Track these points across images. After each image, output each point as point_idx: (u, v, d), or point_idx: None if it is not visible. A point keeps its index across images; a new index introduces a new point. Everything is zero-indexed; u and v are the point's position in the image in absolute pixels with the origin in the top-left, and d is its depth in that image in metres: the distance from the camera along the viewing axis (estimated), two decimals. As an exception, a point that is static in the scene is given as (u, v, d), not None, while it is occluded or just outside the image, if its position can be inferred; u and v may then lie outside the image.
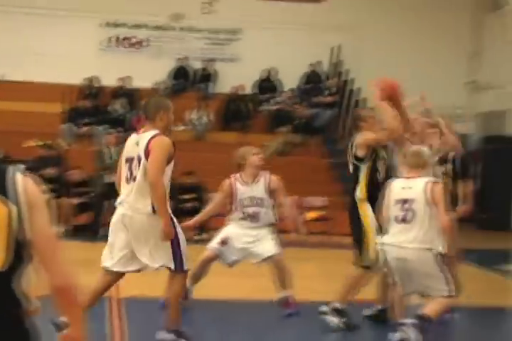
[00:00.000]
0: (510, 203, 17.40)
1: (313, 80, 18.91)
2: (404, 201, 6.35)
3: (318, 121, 18.03)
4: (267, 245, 7.50)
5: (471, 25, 19.30)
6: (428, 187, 6.32)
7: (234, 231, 7.54)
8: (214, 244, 7.56)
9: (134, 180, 5.95)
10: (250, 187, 7.54)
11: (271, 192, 7.54)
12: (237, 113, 17.89)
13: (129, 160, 6.03)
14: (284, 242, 7.78)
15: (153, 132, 6.01)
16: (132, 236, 5.99)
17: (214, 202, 7.81)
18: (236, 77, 18.32)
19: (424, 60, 18.98)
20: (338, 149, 15.20)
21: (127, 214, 5.99)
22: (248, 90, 18.52)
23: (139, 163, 5.93)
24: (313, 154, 17.24)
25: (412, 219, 6.31)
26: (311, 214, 13.87)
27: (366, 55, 18.92)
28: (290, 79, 18.69)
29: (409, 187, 6.38)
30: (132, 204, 5.97)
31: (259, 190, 7.53)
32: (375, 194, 6.76)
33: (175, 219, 6.03)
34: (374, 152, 6.99)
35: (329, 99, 18.31)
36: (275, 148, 16.81)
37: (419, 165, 6.47)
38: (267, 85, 18.69)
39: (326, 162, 16.83)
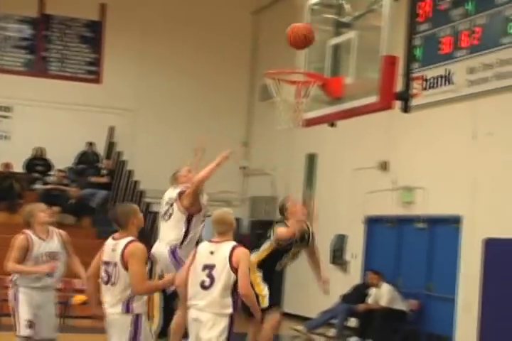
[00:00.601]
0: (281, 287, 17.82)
1: (89, 160, 18.78)
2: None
3: (93, 201, 17.84)
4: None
5: (245, 112, 20.03)
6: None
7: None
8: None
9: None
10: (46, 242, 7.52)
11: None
12: (7, 191, 17.32)
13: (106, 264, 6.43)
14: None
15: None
16: None
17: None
18: (6, 155, 17.83)
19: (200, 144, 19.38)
20: (111, 230, 15.00)
21: None
22: (19, 168, 18.04)
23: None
24: (85, 235, 16.93)
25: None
26: (79, 298, 13.48)
27: (140, 138, 19.13)
28: (65, 158, 18.43)
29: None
30: None
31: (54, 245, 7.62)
32: None
33: None
34: None
35: (104, 179, 18.22)
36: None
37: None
38: (39, 163, 18.35)
39: (98, 243, 16.53)
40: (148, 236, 12.79)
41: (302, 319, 15.35)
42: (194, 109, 19.53)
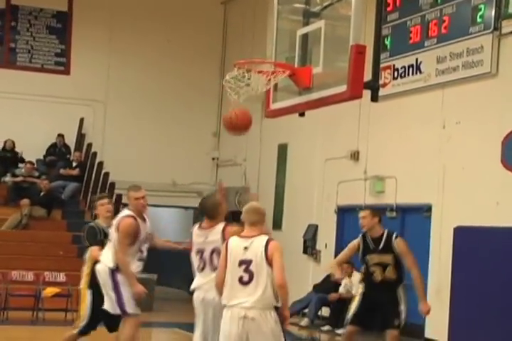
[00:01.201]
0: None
1: (59, 152, 18.70)
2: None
3: (64, 193, 17.78)
4: None
5: (215, 103, 20.03)
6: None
7: None
8: None
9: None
10: None
11: None
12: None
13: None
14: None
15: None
16: None
17: None
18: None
19: (171, 136, 19.42)
20: (81, 222, 15.00)
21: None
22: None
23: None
24: (55, 227, 16.88)
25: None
26: (50, 290, 13.47)
27: (110, 129, 19.09)
28: (35, 151, 18.33)
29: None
30: None
31: None
32: None
33: None
34: None
35: (74, 171, 18.13)
36: (16, 221, 16.32)
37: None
38: (8, 156, 18.22)
39: (68, 235, 16.52)
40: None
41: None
42: (164, 101, 19.51)
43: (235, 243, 6.51)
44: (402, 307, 8.29)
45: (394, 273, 8.31)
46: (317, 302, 14.08)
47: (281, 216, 17.21)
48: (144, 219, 7.85)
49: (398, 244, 8.25)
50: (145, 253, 7.92)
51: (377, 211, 8.78)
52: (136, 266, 7.78)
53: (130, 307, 7.68)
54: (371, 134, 14.46)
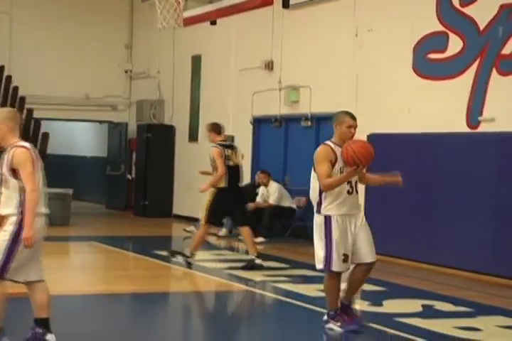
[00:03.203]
0: (168, 190, 18.04)
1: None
2: None
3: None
4: None
5: (127, 14, 19.67)
6: None
7: None
8: None
9: None
10: None
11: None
12: None
13: None
14: None
15: None
16: None
17: None
18: None
19: (82, 49, 19.06)
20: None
21: None
22: None
23: None
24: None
25: None
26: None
27: (17, 40, 18.58)
28: None
29: None
30: None
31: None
32: None
33: None
34: None
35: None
36: None
37: None
38: None
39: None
40: (33, 143, 12.66)
41: (192, 220, 15.64)
42: (75, 10, 19.02)
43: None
44: None
45: None
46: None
47: (197, 128, 17.27)
48: None
49: None
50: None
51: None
52: None
53: None
54: (285, 43, 14.46)
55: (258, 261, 10.48)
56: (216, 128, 10.76)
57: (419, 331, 7.03)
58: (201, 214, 10.76)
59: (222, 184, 10.40)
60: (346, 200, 6.85)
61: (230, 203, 10.46)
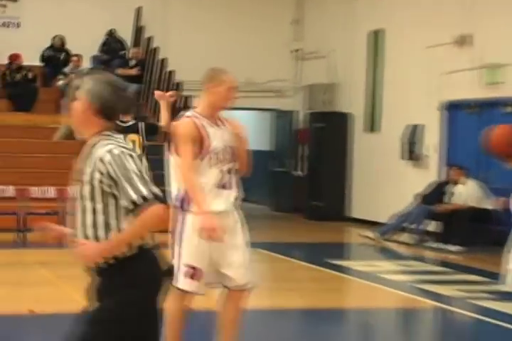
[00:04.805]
0: (343, 189, 17.90)
1: (114, 48, 18.59)
2: None
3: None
4: None
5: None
6: None
7: None
8: None
9: None
10: None
11: None
12: (21, 88, 17.29)
13: None
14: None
15: None
16: None
17: None
18: (16, 45, 17.70)
19: (243, 26, 19.20)
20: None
21: None
22: (31, 60, 17.87)
23: None
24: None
25: None
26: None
27: (172, 20, 18.90)
28: (87, 48, 18.23)
29: None
30: None
31: None
32: None
33: None
34: None
35: (133, 71, 17.96)
36: (66, 130, 16.23)
37: None
38: (58, 56, 18.21)
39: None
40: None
41: (371, 224, 15.47)
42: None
43: None
44: None
45: None
46: (422, 216, 13.99)
47: (378, 116, 17.12)
48: None
49: None
50: None
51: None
52: None
53: None
54: (483, 14, 14.06)
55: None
56: None
57: None
58: None
59: None
60: None
61: None
